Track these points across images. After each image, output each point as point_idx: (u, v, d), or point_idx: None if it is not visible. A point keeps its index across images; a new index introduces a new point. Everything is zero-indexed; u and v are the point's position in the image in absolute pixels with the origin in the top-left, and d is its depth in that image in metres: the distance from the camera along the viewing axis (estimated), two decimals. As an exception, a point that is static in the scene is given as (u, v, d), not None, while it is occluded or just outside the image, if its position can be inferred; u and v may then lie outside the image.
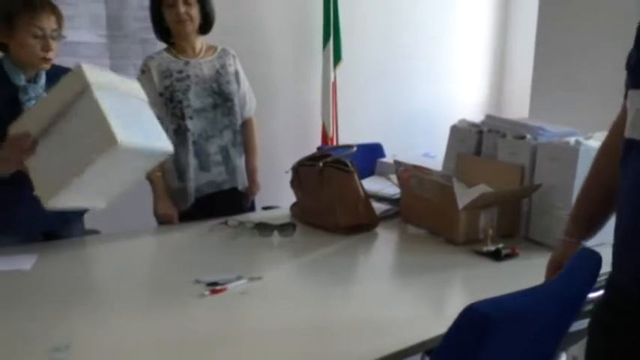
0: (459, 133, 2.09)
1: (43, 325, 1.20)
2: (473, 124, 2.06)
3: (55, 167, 1.47)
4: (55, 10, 1.66)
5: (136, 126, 1.58)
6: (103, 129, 1.42)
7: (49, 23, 1.63)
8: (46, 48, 1.63)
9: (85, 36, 2.60)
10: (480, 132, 2.00)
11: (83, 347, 1.10)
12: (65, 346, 1.09)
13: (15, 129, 1.51)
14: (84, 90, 1.46)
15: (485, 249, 1.65)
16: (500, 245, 1.64)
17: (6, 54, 1.67)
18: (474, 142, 2.02)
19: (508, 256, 1.62)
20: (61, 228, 1.79)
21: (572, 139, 1.69)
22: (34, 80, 1.68)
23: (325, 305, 1.33)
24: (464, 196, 1.73)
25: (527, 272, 1.50)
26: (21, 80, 1.66)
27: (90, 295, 1.38)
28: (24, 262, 1.53)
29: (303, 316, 1.27)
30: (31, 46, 1.62)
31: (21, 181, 1.55)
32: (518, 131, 1.85)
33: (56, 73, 1.72)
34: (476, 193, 1.73)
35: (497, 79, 4.24)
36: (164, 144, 1.70)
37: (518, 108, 3.82)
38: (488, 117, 2.03)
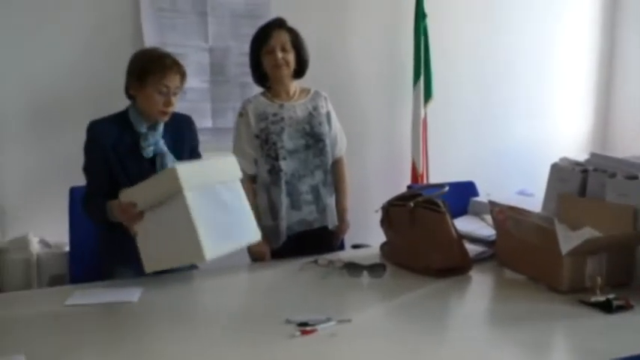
0: (561, 171, 1.97)
1: (140, 357, 1.26)
2: (576, 163, 1.94)
3: (155, 246, 1.67)
4: (180, 70, 1.83)
5: (226, 228, 1.71)
6: (193, 241, 1.60)
7: (174, 82, 1.80)
8: (168, 104, 1.80)
9: (192, 82, 2.80)
10: (585, 171, 1.87)
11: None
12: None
13: (124, 196, 1.69)
14: (177, 192, 1.61)
15: (593, 299, 1.52)
16: (611, 295, 1.50)
17: (132, 103, 1.86)
18: (577, 182, 1.89)
19: (620, 308, 1.47)
20: None
21: (693, 180, 1.53)
22: (153, 128, 1.85)
23: (416, 353, 1.28)
24: (568, 239, 1.62)
25: (643, 328, 1.37)
26: (143, 128, 1.83)
27: (186, 329, 1.44)
28: (131, 294, 1.64)
29: (394, 363, 1.24)
30: (155, 101, 1.80)
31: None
32: (629, 171, 1.71)
33: (172, 121, 1.89)
34: (581, 237, 1.61)
35: (602, 112, 3.96)
36: (251, 236, 1.83)
37: (627, 144, 3.54)
38: (594, 155, 1.90)
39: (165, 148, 1.85)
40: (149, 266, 1.69)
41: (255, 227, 1.84)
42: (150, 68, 1.80)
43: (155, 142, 1.84)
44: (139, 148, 1.82)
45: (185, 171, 1.62)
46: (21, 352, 1.23)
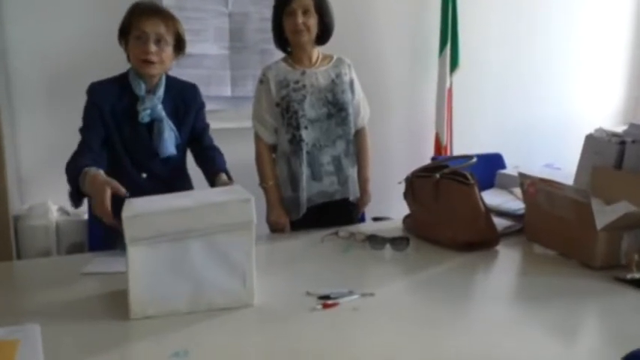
0: (596, 143, 1.87)
1: (162, 331, 1.23)
2: (613, 134, 1.84)
3: (167, 290, 1.28)
4: (160, 15, 1.69)
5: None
6: (248, 287, 1.35)
7: (152, 27, 1.66)
8: (145, 52, 1.66)
9: (210, 49, 2.73)
10: (622, 142, 1.78)
11: (201, 354, 1.11)
12: (184, 352, 1.11)
13: (126, 210, 1.28)
14: (247, 226, 1.35)
15: (628, 276, 1.45)
16: (649, 273, 1.43)
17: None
18: (613, 154, 1.80)
19: (658, 287, 1.40)
20: None
21: None
22: (153, 91, 1.74)
23: (441, 329, 1.23)
24: (603, 214, 1.54)
25: (684, 307, 1.30)
26: (141, 90, 1.73)
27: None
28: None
29: (418, 339, 1.19)
30: (134, 49, 1.69)
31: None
32: (670, 142, 1.61)
33: (176, 88, 1.79)
34: (618, 212, 1.53)
35: (635, 85, 3.80)
36: None
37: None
38: (633, 126, 1.80)
39: (163, 114, 1.74)
40: (137, 311, 1.27)
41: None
42: (127, 18, 1.70)
43: (152, 106, 1.72)
44: (135, 112, 1.72)
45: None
46: (36, 320, 1.21)
